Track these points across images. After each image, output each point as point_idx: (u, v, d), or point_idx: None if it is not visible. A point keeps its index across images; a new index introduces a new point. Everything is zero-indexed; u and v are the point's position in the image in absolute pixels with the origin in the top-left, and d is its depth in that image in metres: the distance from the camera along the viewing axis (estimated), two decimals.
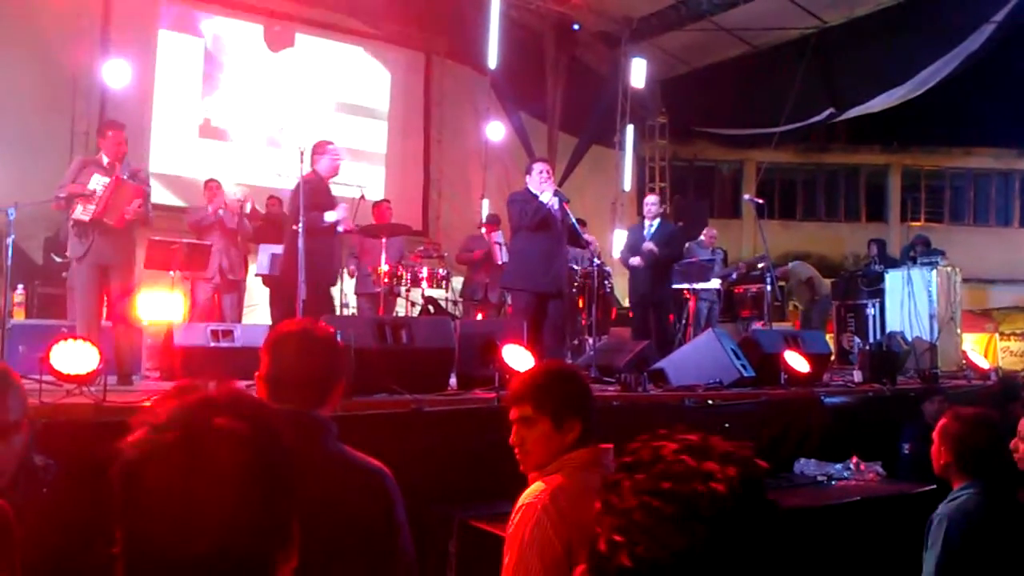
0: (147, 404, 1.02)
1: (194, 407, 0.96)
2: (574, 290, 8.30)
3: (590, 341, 7.59)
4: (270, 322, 8.14)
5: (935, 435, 3.08)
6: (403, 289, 8.63)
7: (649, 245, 8.28)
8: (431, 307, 9.32)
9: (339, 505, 1.90)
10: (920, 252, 9.78)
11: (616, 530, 0.92)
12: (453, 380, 5.21)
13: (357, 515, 1.98)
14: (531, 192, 6.53)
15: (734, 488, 0.91)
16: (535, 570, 2.02)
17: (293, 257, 5.56)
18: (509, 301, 7.73)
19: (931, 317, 8.61)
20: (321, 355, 2.15)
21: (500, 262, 9.41)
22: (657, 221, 8.69)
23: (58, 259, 7.92)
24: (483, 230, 9.97)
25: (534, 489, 2.16)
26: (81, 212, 5.44)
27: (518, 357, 4.94)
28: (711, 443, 0.97)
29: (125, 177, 5.57)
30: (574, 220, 6.67)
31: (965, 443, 2.97)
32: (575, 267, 8.20)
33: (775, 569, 0.93)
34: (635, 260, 8.39)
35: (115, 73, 8.88)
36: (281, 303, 6.67)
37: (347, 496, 1.98)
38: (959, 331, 9.20)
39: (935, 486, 3.59)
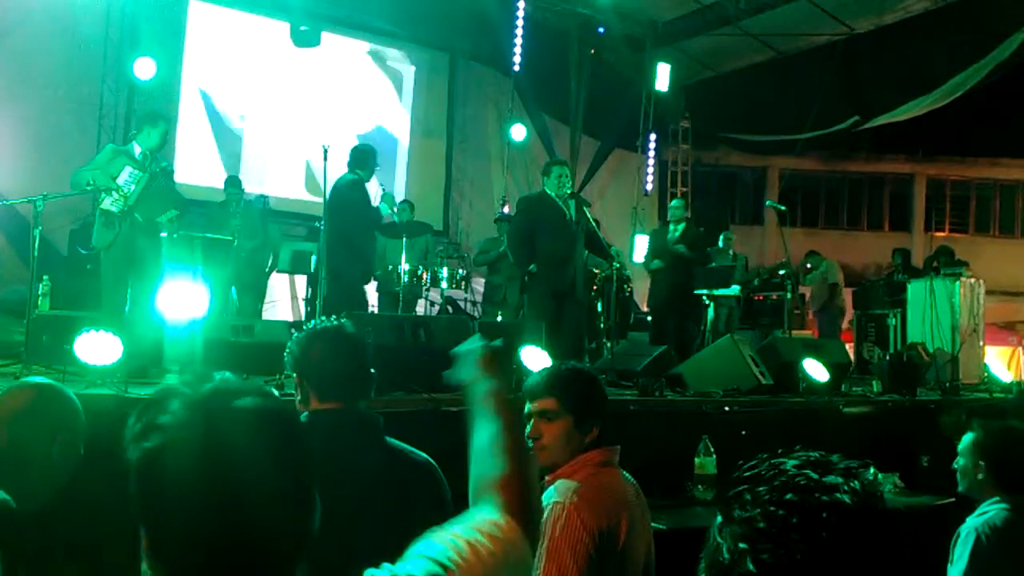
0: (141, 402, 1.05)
1: (213, 393, 1.00)
2: (593, 293, 8.30)
3: (608, 345, 7.60)
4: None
5: (969, 450, 3.03)
6: (423, 289, 8.67)
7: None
8: (450, 307, 9.35)
9: (393, 496, 2.03)
10: (943, 263, 9.69)
11: (740, 538, 0.96)
12: None
13: (411, 505, 2.09)
14: (547, 194, 6.57)
15: (857, 499, 0.95)
16: (567, 564, 2.09)
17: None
18: (526, 303, 7.75)
19: (953, 329, 8.52)
20: (356, 352, 2.24)
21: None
22: (682, 225, 8.70)
23: (83, 251, 8.01)
24: (499, 234, 10.01)
25: (560, 488, 2.21)
26: (110, 203, 5.49)
27: (536, 358, 4.95)
28: (831, 459, 1.02)
29: (158, 172, 5.62)
30: (595, 226, 6.69)
31: (1006, 459, 2.93)
32: (595, 270, 8.21)
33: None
34: (657, 263, 8.48)
35: (143, 68, 8.98)
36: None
37: (401, 487, 2.13)
38: (982, 343, 9.10)
39: (954, 499, 3.56)
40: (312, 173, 10.83)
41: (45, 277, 7.12)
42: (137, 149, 5.68)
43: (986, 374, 8.48)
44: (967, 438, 3.07)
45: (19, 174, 8.64)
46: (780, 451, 1.05)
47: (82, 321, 5.07)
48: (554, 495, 2.19)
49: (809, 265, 11.36)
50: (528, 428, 2.32)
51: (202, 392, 1.00)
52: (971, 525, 2.89)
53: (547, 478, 2.28)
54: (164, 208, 5.63)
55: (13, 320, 5.85)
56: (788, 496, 0.95)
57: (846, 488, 0.96)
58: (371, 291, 9.05)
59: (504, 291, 9.49)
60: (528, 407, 2.35)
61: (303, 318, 8.88)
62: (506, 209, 11.66)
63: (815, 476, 0.97)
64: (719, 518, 1.01)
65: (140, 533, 0.99)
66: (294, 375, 2.24)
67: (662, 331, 8.36)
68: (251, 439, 0.96)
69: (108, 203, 5.51)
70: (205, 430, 0.96)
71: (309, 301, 8.91)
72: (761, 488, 0.97)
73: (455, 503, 2.36)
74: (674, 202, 9.29)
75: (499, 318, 9.28)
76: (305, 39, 10.13)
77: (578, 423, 2.29)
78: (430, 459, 2.26)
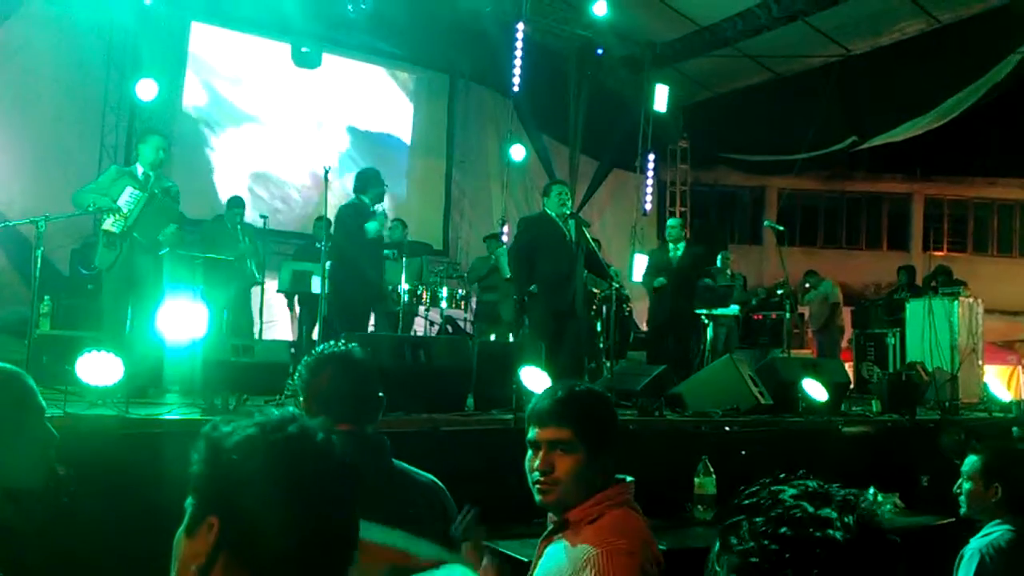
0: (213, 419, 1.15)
1: (297, 417, 1.14)
2: (592, 313, 8.31)
3: (608, 364, 7.60)
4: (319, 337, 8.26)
5: (979, 473, 3.00)
6: (422, 308, 8.67)
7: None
8: (449, 327, 9.36)
9: (401, 519, 1.96)
10: (942, 282, 9.71)
11: (735, 570, 0.98)
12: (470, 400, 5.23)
13: (419, 527, 2.03)
14: (547, 213, 6.60)
15: (850, 536, 0.96)
16: None
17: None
18: (527, 322, 7.77)
19: (952, 348, 8.53)
20: (364, 376, 2.25)
21: (506, 277, 9.52)
22: (683, 244, 8.72)
23: (84, 271, 8.03)
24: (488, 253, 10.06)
25: (597, 536, 1.95)
26: (111, 224, 5.52)
27: (536, 378, 4.96)
28: (829, 490, 1.03)
29: (158, 192, 5.65)
30: (595, 246, 6.71)
31: (1021, 480, 2.91)
32: (594, 290, 8.23)
33: None
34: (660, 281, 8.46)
35: (145, 89, 9.04)
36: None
37: (408, 510, 2.08)
38: (981, 363, 9.10)
39: (955, 519, 3.56)
40: (311, 193, 10.88)
41: (46, 297, 7.14)
42: (140, 169, 5.73)
43: (985, 393, 8.47)
44: (974, 460, 3.04)
45: (21, 194, 8.69)
46: (782, 476, 1.07)
47: (83, 341, 5.08)
48: (601, 545, 1.90)
49: (808, 284, 11.39)
50: (535, 459, 2.04)
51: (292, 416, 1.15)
52: (975, 546, 2.87)
53: (567, 518, 2.02)
54: (162, 225, 5.65)
55: (14, 340, 5.86)
56: (782, 530, 0.97)
57: (839, 524, 0.97)
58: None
59: (497, 308, 9.50)
60: (533, 432, 2.05)
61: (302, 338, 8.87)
62: (506, 228, 11.70)
63: (811, 509, 0.98)
64: (717, 546, 1.03)
65: (226, 531, 1.07)
66: (302, 398, 2.26)
67: (660, 350, 8.36)
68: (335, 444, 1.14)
69: (109, 224, 5.54)
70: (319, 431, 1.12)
71: (302, 320, 8.89)
72: (758, 519, 0.99)
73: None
74: (672, 221, 9.30)
75: (492, 337, 9.26)
76: (306, 60, 10.22)
77: (595, 456, 2.01)
78: (436, 480, 2.26)
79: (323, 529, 1.08)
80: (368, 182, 6.86)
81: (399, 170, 12.37)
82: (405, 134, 12.54)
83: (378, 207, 6.89)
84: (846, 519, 0.97)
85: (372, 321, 9.20)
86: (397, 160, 12.37)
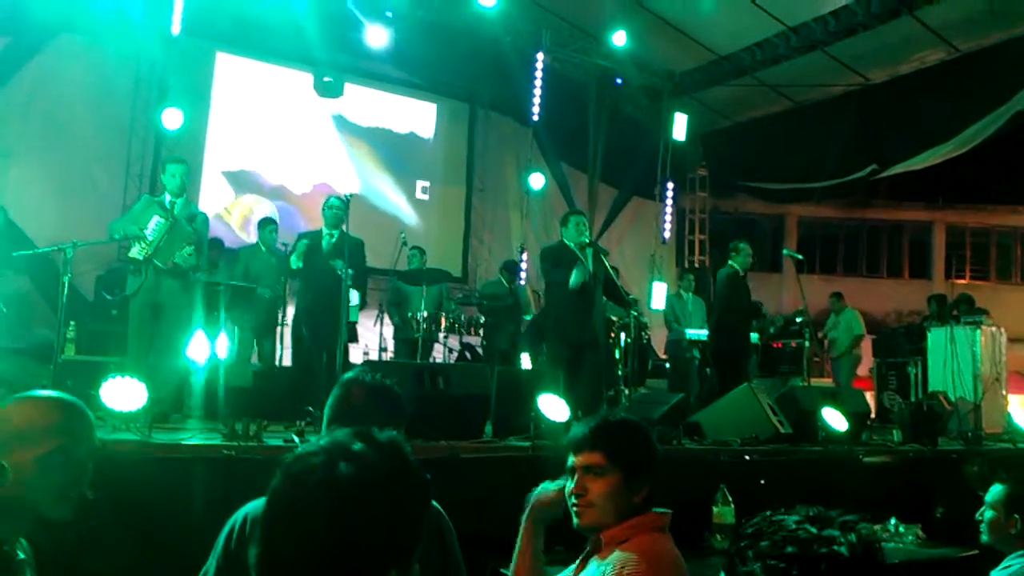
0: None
1: (343, 435, 1.13)
2: (610, 341, 8.31)
3: (626, 392, 7.59)
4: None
5: (1001, 503, 2.96)
6: (441, 335, 8.70)
7: None
8: (468, 354, 9.39)
9: None
10: (963, 311, 9.64)
11: None
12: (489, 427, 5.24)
13: None
14: (565, 243, 6.64)
15: (854, 552, 1.00)
16: None
17: None
18: (545, 351, 7.78)
19: (975, 377, 8.45)
20: (368, 402, 2.29)
21: (528, 312, 9.52)
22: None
23: (109, 297, 8.14)
24: (501, 278, 10.05)
25: (627, 559, 2.02)
26: (136, 252, 5.65)
27: (554, 406, 4.97)
28: (830, 513, 1.06)
29: (181, 219, 5.76)
30: (613, 273, 6.73)
31: None
32: (612, 318, 8.23)
33: None
34: None
35: (170, 119, 9.19)
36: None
37: None
38: (1004, 392, 9.00)
39: (978, 551, 3.52)
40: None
41: (71, 322, 7.24)
42: (168, 198, 5.87)
43: (1009, 424, 8.37)
44: (997, 490, 3.02)
45: (48, 221, 8.84)
46: (782, 509, 1.10)
47: (107, 367, 5.15)
48: (626, 568, 1.99)
49: (832, 309, 11.39)
50: (571, 483, 2.17)
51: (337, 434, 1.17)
52: None
53: (601, 538, 2.12)
54: (180, 247, 5.71)
55: (39, 365, 5.95)
56: (788, 549, 1.00)
57: (843, 540, 1.00)
58: (388, 338, 9.11)
59: (513, 338, 9.49)
60: (571, 460, 2.18)
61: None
62: (525, 256, 11.74)
63: (813, 530, 1.01)
64: (722, 574, 1.05)
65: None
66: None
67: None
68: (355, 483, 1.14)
69: (135, 251, 5.66)
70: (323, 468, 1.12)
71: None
72: (763, 543, 1.02)
73: (469, 547, 2.37)
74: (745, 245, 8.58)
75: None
76: (329, 89, 10.36)
77: (628, 481, 2.12)
78: (433, 503, 2.27)
79: (348, 538, 1.08)
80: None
81: (420, 197, 12.46)
82: (426, 162, 12.63)
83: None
84: (849, 537, 1.00)
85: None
86: (418, 187, 12.47)
